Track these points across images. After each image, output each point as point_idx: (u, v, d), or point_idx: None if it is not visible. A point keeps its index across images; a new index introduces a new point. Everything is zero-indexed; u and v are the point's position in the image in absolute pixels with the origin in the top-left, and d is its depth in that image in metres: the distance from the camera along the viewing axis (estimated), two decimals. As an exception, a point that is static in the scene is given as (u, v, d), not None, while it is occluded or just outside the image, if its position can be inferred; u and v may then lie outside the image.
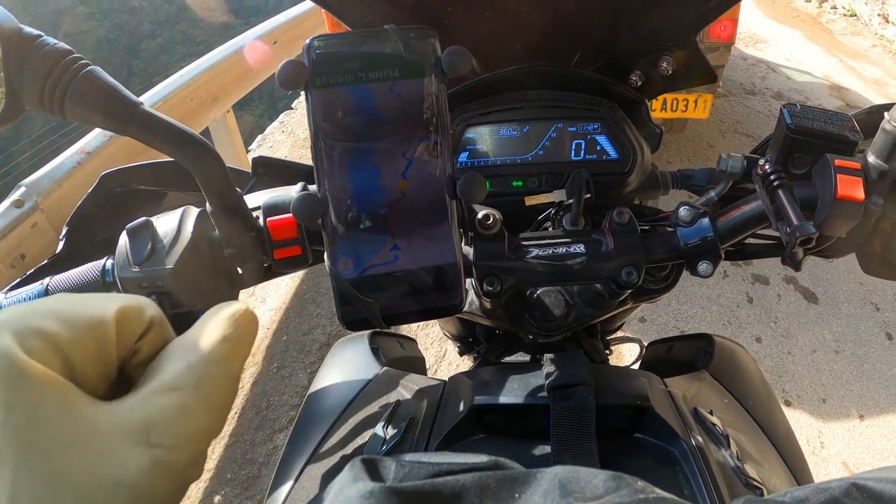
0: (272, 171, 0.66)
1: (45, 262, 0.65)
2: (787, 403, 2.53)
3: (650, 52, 0.73)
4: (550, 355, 0.62)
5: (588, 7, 0.69)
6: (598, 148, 0.73)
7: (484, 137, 0.73)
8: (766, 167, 0.59)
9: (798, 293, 3.15)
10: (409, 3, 0.67)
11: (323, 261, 0.51)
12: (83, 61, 0.46)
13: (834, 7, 10.08)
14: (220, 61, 4.00)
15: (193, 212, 0.55)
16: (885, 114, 0.56)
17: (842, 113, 0.61)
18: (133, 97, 0.49)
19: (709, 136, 4.61)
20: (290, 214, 0.52)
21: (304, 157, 4.71)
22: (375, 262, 0.49)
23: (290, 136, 5.30)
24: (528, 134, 0.73)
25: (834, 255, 0.67)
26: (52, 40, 0.46)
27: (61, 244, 0.67)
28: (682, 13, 0.69)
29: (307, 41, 0.47)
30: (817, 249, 0.65)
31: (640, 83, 0.75)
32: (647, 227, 0.67)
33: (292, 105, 6.04)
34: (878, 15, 8.83)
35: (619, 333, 1.05)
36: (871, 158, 0.56)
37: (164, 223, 0.53)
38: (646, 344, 0.99)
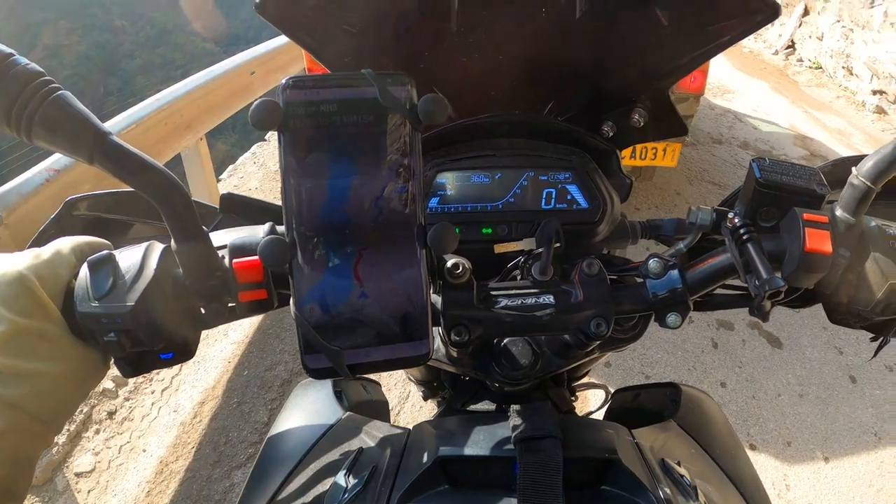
0: (240, 209, 0.64)
1: None
2: (753, 447, 2.54)
3: (623, 104, 0.74)
4: (517, 406, 0.61)
5: (562, 59, 0.70)
6: (569, 197, 0.73)
7: (455, 183, 0.73)
8: (736, 221, 0.60)
9: (762, 338, 3.19)
10: (387, 45, 0.68)
11: (288, 304, 0.49)
12: (54, 85, 0.45)
13: (800, 60, 10.47)
14: (196, 88, 3.98)
15: (157, 248, 0.53)
16: (853, 169, 0.57)
17: (810, 166, 0.62)
18: (103, 126, 0.47)
19: (676, 183, 4.71)
20: (257, 257, 0.50)
21: (275, 189, 4.69)
22: (342, 309, 0.48)
23: (261, 167, 5.28)
24: (499, 181, 0.73)
25: (801, 306, 0.67)
26: (24, 60, 0.44)
27: None
28: (656, 67, 0.70)
29: (283, 81, 0.47)
30: (785, 300, 0.65)
31: (611, 133, 0.76)
32: (615, 278, 0.67)
33: (265, 137, 6.04)
34: (843, 67, 9.19)
35: (585, 380, 1.04)
36: (838, 212, 0.57)
37: (127, 257, 0.51)
38: (612, 391, 0.99)
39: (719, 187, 4.75)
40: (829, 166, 0.71)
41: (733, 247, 0.59)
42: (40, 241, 0.69)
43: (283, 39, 5.26)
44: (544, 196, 0.73)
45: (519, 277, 0.68)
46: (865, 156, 0.61)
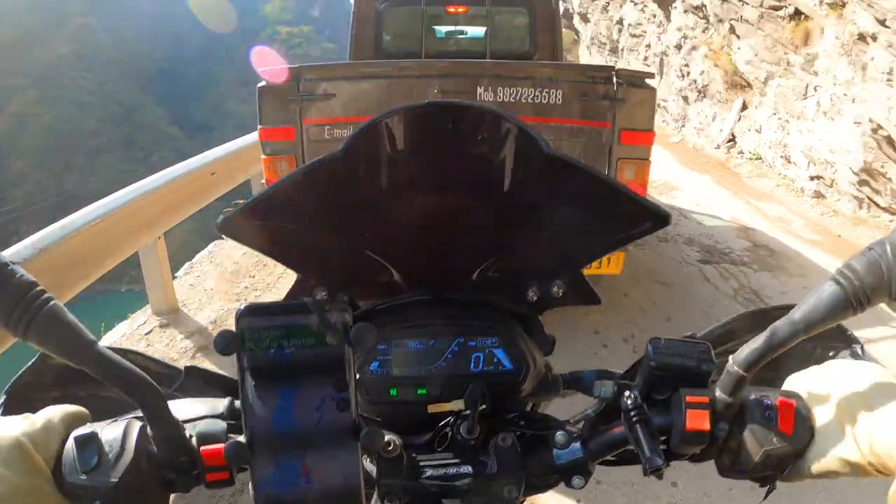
0: (202, 380, 0.73)
1: None
2: (710, 543, 2.56)
3: (543, 278, 0.84)
4: None
5: (489, 232, 0.80)
6: (495, 360, 0.82)
7: (393, 349, 0.81)
8: (629, 402, 0.69)
9: (711, 435, 3.25)
10: (330, 237, 0.77)
11: (246, 471, 0.58)
12: (47, 295, 0.52)
13: (741, 152, 11.02)
14: (158, 187, 4.08)
15: (135, 427, 0.60)
16: (730, 357, 0.65)
17: (701, 342, 0.71)
18: (90, 335, 0.55)
19: (624, 285, 4.75)
20: (221, 445, 0.59)
21: (231, 290, 4.75)
22: (293, 491, 0.56)
23: (217, 267, 5.31)
24: (433, 347, 0.81)
25: (696, 461, 0.76)
26: (20, 270, 0.52)
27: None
28: (567, 254, 0.81)
29: (238, 310, 0.57)
30: (680, 458, 0.74)
31: (535, 298, 0.85)
32: (535, 433, 0.76)
33: (223, 235, 6.04)
34: (781, 157, 9.68)
35: None
36: (717, 393, 0.66)
37: (109, 433, 0.58)
38: None
39: (665, 286, 4.89)
40: (729, 323, 0.82)
41: (627, 424, 0.69)
42: (17, 388, 0.74)
43: (242, 142, 5.49)
44: (473, 360, 0.81)
45: (449, 435, 0.76)
46: (762, 312, 0.71)
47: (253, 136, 5.65)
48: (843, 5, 8.04)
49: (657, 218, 0.71)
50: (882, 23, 6.83)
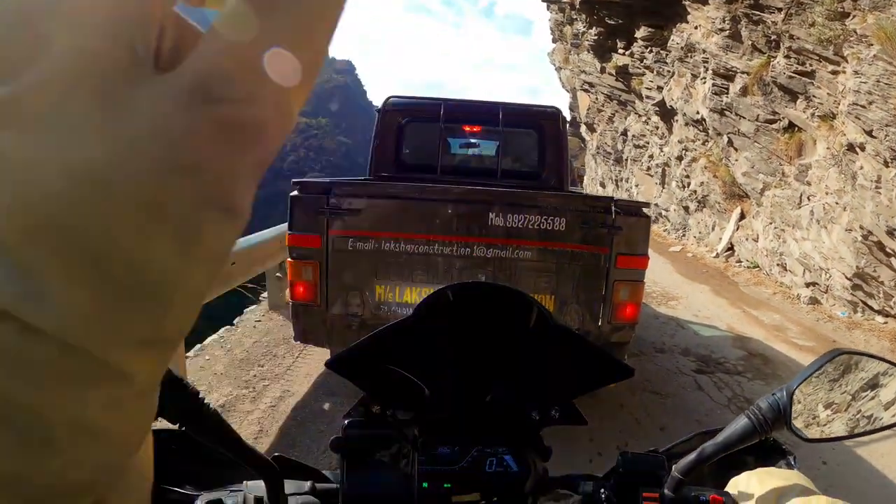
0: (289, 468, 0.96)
1: None
2: None
3: (542, 404, 1.06)
4: None
5: (501, 366, 1.03)
6: (505, 464, 1.02)
7: (431, 453, 1.02)
8: (603, 497, 0.94)
9: None
10: (376, 367, 1.00)
11: None
12: (208, 401, 0.77)
13: (739, 261, 11.29)
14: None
15: (251, 497, 0.84)
16: (674, 466, 0.91)
17: (657, 455, 0.96)
18: (234, 430, 0.81)
19: (620, 395, 4.75)
20: None
21: (240, 377, 4.85)
22: None
23: (228, 353, 5.38)
24: (456, 451, 1.01)
25: None
26: (189, 382, 0.76)
27: None
28: (563, 388, 1.03)
29: (343, 423, 0.88)
30: None
31: (536, 418, 1.07)
32: None
33: (234, 322, 6.23)
34: (778, 265, 9.90)
35: None
36: (665, 491, 0.90)
37: (230, 499, 0.84)
38: None
39: (661, 396, 4.93)
40: (682, 442, 1.04)
41: None
42: None
43: (261, 237, 5.81)
44: (487, 463, 1.02)
45: None
46: (711, 431, 0.94)
47: (270, 232, 5.98)
48: (834, 117, 8.39)
49: (624, 371, 0.97)
50: (869, 133, 7.14)
